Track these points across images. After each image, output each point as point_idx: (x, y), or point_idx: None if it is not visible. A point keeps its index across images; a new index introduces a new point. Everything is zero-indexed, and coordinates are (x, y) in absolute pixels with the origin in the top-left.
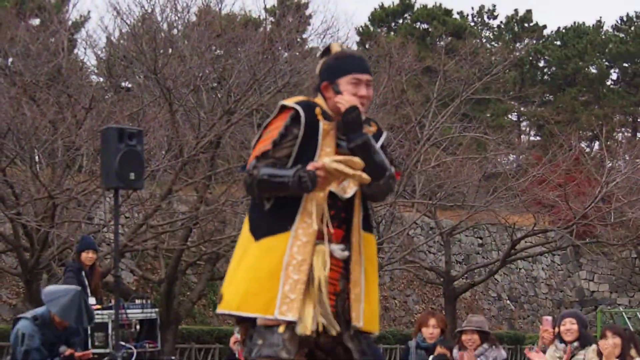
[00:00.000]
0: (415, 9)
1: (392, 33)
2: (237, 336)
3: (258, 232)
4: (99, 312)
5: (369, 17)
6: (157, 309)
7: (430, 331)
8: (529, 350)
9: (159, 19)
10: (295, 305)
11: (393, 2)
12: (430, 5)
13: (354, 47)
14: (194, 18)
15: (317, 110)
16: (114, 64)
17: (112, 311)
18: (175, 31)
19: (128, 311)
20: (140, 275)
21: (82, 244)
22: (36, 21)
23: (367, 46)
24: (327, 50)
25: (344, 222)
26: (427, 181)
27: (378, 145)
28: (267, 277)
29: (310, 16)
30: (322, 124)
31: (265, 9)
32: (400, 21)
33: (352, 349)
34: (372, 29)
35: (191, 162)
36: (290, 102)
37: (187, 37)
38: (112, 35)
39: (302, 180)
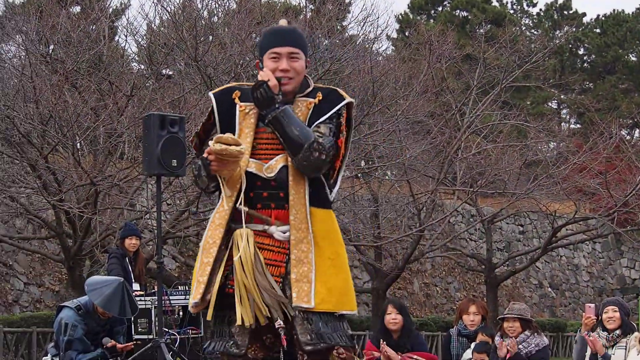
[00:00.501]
0: None
1: (431, 21)
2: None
3: None
4: (142, 298)
5: (408, 5)
6: None
7: (472, 318)
8: (586, 335)
9: (200, 6)
10: (200, 287)
11: None
12: None
13: (394, 35)
14: (234, 5)
15: (236, 93)
16: (154, 52)
17: (155, 297)
18: (215, 18)
19: (171, 297)
20: (182, 262)
21: (126, 231)
22: (77, 9)
23: (406, 34)
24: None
25: (286, 203)
26: (468, 169)
27: (330, 112)
28: (195, 265)
29: (350, 4)
30: (238, 107)
31: None
32: (440, 9)
33: (299, 331)
34: (411, 16)
35: None
36: (218, 90)
37: (228, 24)
38: (153, 22)
39: (201, 166)
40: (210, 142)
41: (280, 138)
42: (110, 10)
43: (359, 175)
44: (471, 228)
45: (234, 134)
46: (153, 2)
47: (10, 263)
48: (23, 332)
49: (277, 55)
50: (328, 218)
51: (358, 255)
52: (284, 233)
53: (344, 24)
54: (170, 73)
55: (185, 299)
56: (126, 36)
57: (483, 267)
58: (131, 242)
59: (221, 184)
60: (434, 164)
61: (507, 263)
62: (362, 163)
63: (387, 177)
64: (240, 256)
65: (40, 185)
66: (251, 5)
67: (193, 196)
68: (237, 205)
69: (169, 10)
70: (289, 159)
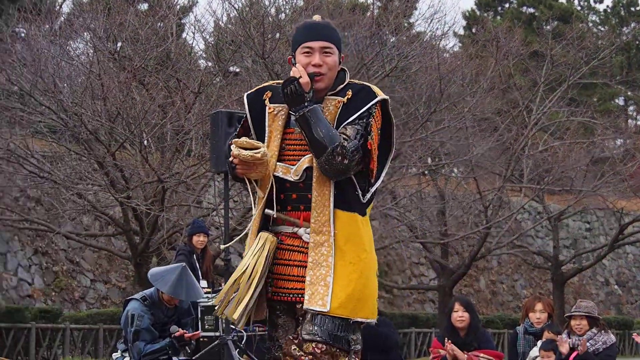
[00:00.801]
0: None
1: (498, 17)
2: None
3: None
4: (210, 295)
5: (475, 2)
6: None
7: (538, 316)
8: (637, 335)
9: (267, 3)
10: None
11: None
12: None
13: (461, 32)
14: (301, 2)
15: (267, 94)
16: (222, 49)
17: None
18: (283, 15)
19: None
20: None
21: (194, 228)
22: (145, 6)
23: (473, 30)
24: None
25: (298, 204)
26: (535, 166)
27: (359, 112)
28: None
29: (417, 1)
30: (268, 108)
31: None
32: (507, 5)
33: (305, 325)
34: (478, 13)
35: None
36: (254, 89)
37: (295, 21)
38: (220, 19)
39: (229, 169)
40: (233, 147)
41: (306, 138)
42: (178, 7)
43: (426, 172)
44: (538, 225)
45: (264, 136)
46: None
47: (77, 260)
48: (89, 329)
49: (309, 49)
50: (354, 221)
51: (424, 253)
52: (309, 234)
53: (411, 20)
54: (238, 70)
55: None
56: (194, 33)
57: (549, 264)
58: (199, 240)
59: (253, 188)
60: (500, 161)
61: (573, 260)
62: (429, 160)
63: (453, 175)
64: (256, 260)
65: (108, 183)
66: (318, 2)
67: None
68: (266, 209)
69: (237, 7)
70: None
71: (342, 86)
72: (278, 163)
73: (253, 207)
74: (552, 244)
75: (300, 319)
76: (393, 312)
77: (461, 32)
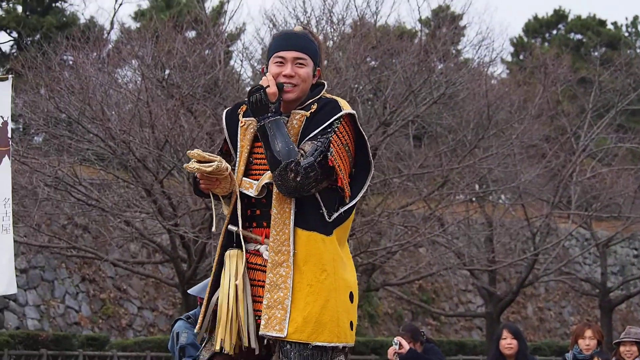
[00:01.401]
0: (569, 19)
1: (546, 44)
2: (395, 347)
3: None
4: None
5: (523, 28)
6: None
7: (587, 342)
8: None
9: (315, 30)
10: (200, 319)
11: (547, 13)
12: (584, 16)
13: (508, 58)
14: (349, 30)
15: (242, 108)
16: None
17: None
18: (330, 43)
19: None
20: None
21: None
22: (193, 34)
23: (521, 57)
24: None
25: (256, 220)
26: (583, 192)
27: (321, 127)
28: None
29: (464, 27)
30: (240, 122)
31: (420, 20)
32: (555, 32)
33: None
34: (526, 39)
35: None
36: (229, 107)
37: (343, 48)
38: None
39: (192, 183)
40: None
41: (265, 151)
42: (226, 35)
43: (474, 199)
44: (585, 252)
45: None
46: (268, 27)
47: (125, 287)
48: (137, 357)
49: (282, 59)
50: (314, 240)
51: (472, 280)
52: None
53: (459, 47)
54: None
55: None
56: (242, 60)
57: (597, 291)
58: None
59: (223, 204)
60: (548, 187)
61: (621, 287)
62: (477, 187)
63: (501, 201)
64: (228, 280)
65: (156, 210)
66: (366, 29)
67: None
68: (230, 225)
69: None
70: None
71: (311, 100)
72: (244, 178)
73: (213, 225)
74: (599, 271)
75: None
76: (440, 339)
77: (509, 58)
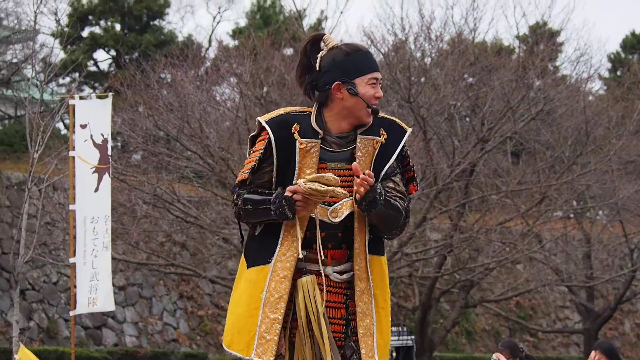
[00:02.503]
0: None
1: None
2: None
3: (248, 260)
4: None
5: (620, 44)
6: (413, 337)
7: None
8: None
9: (413, 47)
10: (271, 346)
11: None
12: None
13: (606, 74)
14: (447, 47)
15: (295, 127)
16: None
17: None
18: (428, 59)
19: None
20: (394, 303)
21: None
22: (290, 51)
23: (618, 73)
24: (316, 41)
25: (343, 242)
26: None
27: (397, 151)
28: (247, 314)
29: (562, 44)
30: (299, 143)
31: (517, 36)
32: None
33: None
34: (623, 55)
35: (445, 190)
36: (265, 118)
37: (441, 65)
38: None
39: (282, 206)
40: (301, 181)
41: (375, 218)
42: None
43: (572, 215)
44: None
45: (293, 174)
46: (366, 44)
47: (223, 304)
48: None
49: (376, 80)
50: (382, 264)
51: (570, 296)
52: (340, 274)
53: (557, 63)
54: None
55: (398, 339)
56: None
57: None
58: None
59: (296, 229)
60: None
61: None
62: (575, 203)
63: (599, 218)
64: (307, 307)
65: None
66: (464, 46)
67: (405, 237)
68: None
69: (383, 51)
70: (354, 204)
71: (374, 122)
72: None
73: (300, 253)
74: None
75: None
76: (538, 355)
77: (606, 74)
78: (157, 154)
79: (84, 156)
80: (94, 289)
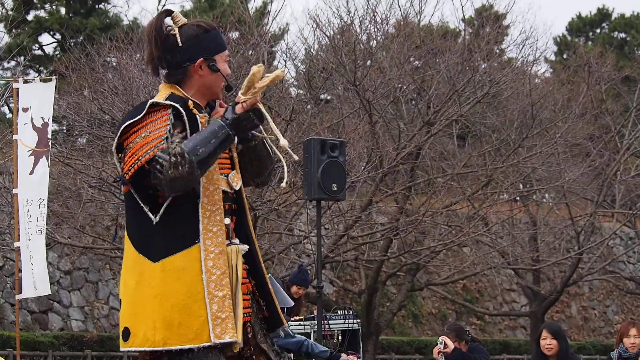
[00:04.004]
0: (613, 18)
1: (590, 43)
2: (440, 347)
3: (153, 252)
4: (302, 323)
5: (566, 27)
6: (359, 320)
7: (632, 341)
8: None
9: (358, 30)
10: (229, 323)
11: (590, 12)
12: (627, 15)
13: (552, 57)
14: (392, 30)
15: (190, 103)
16: (313, 76)
17: (314, 322)
18: (374, 43)
19: (330, 322)
20: (340, 286)
21: (298, 279)
22: (236, 34)
23: (564, 56)
24: (164, 15)
25: (232, 214)
26: (627, 191)
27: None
28: (189, 301)
29: (508, 26)
30: (199, 118)
31: (463, 19)
32: (598, 30)
33: (267, 349)
34: (569, 38)
35: (391, 173)
36: (161, 99)
37: (386, 48)
38: (312, 47)
39: (250, 118)
40: (241, 94)
41: (257, 158)
42: (269, 35)
43: (518, 198)
44: (630, 251)
45: None
46: (312, 27)
47: None
48: None
49: (227, 58)
50: None
51: (516, 279)
52: (242, 245)
53: (503, 46)
54: (329, 97)
55: (344, 323)
56: (285, 61)
57: None
58: (298, 291)
59: (201, 207)
60: (592, 186)
61: None
62: (521, 186)
63: (545, 200)
64: (236, 276)
65: None
66: (409, 29)
67: (351, 220)
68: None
69: (328, 34)
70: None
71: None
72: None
73: (206, 225)
74: None
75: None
76: (485, 338)
77: (552, 57)
78: (103, 138)
79: (24, 139)
80: (31, 272)
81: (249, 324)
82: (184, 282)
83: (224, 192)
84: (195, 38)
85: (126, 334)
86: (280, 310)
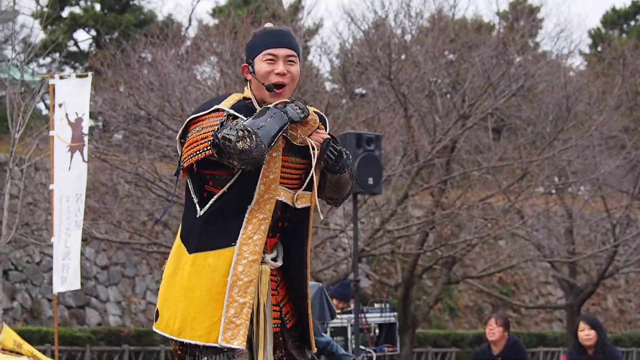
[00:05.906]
0: None
1: (624, 35)
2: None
3: (191, 244)
4: (339, 316)
5: (601, 20)
6: (395, 313)
7: None
8: None
9: (393, 24)
10: (241, 331)
11: (625, 4)
12: None
13: (586, 50)
14: (427, 23)
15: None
16: (348, 70)
17: (351, 315)
18: (408, 37)
19: (367, 315)
20: (376, 280)
21: (338, 293)
22: None
23: (599, 49)
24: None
25: (278, 231)
26: None
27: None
28: (207, 300)
29: (542, 20)
30: None
31: (497, 13)
32: (633, 23)
33: (296, 355)
34: (604, 31)
35: (427, 167)
36: (227, 105)
37: (421, 42)
38: (346, 41)
39: (298, 108)
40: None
41: (336, 184)
42: (304, 30)
43: (553, 191)
44: None
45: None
46: (346, 22)
47: None
48: None
49: (273, 57)
50: None
51: (552, 272)
52: (274, 261)
53: (537, 40)
54: (364, 92)
55: (381, 316)
56: (320, 55)
57: None
58: (338, 305)
59: (248, 213)
60: (628, 178)
61: None
62: (556, 179)
63: (581, 193)
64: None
65: None
66: (444, 23)
67: (387, 214)
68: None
69: (363, 29)
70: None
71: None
72: (280, 186)
73: (247, 232)
74: None
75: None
76: (521, 331)
77: (587, 50)
78: (139, 133)
79: (61, 135)
80: (66, 267)
81: (278, 334)
82: (208, 280)
83: (282, 207)
84: (248, 44)
85: (157, 315)
86: (313, 336)
